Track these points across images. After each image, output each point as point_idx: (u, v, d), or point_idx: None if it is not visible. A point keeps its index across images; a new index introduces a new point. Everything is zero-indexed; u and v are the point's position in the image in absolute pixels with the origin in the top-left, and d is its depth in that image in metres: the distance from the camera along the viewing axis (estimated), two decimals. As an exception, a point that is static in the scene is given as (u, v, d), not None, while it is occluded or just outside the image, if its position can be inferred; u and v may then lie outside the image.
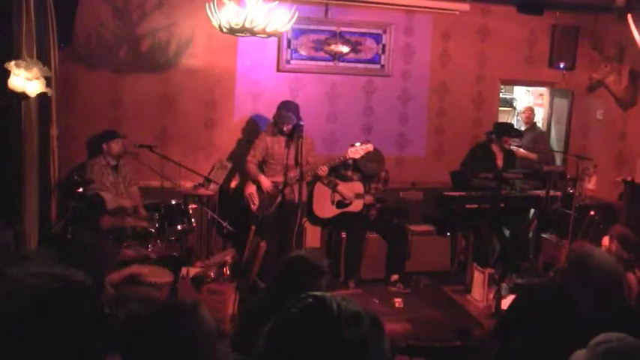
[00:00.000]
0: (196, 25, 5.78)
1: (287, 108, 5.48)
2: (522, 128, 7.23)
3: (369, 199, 5.99)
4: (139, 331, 1.69)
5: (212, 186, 5.67)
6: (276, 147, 5.58)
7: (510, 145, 6.25)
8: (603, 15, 6.50)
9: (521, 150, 6.77)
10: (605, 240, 4.03)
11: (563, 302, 2.63)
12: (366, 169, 5.95)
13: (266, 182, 5.56)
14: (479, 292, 5.40)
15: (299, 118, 5.43)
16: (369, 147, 5.50)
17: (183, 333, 1.69)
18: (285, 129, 5.45)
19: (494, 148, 6.21)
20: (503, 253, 6.12)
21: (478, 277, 5.46)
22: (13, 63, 3.82)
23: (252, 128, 6.10)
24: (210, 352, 1.74)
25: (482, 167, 6.08)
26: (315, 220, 6.12)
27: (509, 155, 6.30)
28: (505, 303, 4.79)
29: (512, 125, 6.55)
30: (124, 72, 5.83)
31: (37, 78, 3.89)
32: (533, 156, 6.76)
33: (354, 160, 5.68)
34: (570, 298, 2.61)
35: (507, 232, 6.16)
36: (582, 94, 6.83)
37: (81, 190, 4.73)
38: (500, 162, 6.21)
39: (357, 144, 5.49)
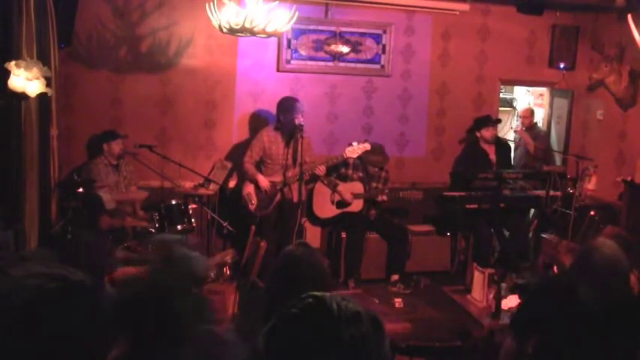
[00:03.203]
0: (196, 25, 5.78)
1: (295, 99, 5.55)
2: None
3: (382, 197, 5.98)
4: (128, 307, 1.75)
5: (212, 186, 5.66)
6: (274, 147, 5.58)
7: (494, 134, 6.27)
8: (603, 15, 6.50)
9: (523, 132, 6.82)
10: None
11: (571, 298, 2.64)
12: (372, 164, 5.94)
13: (264, 182, 5.56)
14: (479, 292, 5.40)
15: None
16: (367, 146, 5.52)
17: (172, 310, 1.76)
18: (301, 120, 5.43)
19: (483, 145, 6.25)
20: (503, 253, 6.12)
21: (478, 277, 5.46)
22: (13, 63, 3.82)
23: (252, 128, 6.10)
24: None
25: (477, 166, 6.09)
26: (315, 220, 6.12)
27: (501, 147, 6.35)
28: (505, 303, 4.79)
29: (488, 115, 6.49)
30: (124, 72, 5.82)
31: (37, 78, 3.89)
32: (531, 145, 6.77)
33: (359, 157, 5.68)
34: (577, 293, 2.61)
35: (507, 232, 6.16)
36: (582, 94, 6.83)
37: (81, 190, 4.73)
38: (493, 156, 6.24)
39: (355, 143, 5.51)
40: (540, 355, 2.75)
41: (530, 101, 8.21)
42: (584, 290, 2.59)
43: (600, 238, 2.78)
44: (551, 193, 5.93)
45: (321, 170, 5.57)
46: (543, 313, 2.75)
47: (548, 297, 2.82)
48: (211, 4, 4.29)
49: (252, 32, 4.24)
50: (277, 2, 4.29)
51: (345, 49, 6.30)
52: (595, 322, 2.56)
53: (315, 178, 5.90)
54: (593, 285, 2.57)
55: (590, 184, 6.30)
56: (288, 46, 6.14)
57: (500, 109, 7.46)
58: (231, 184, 6.14)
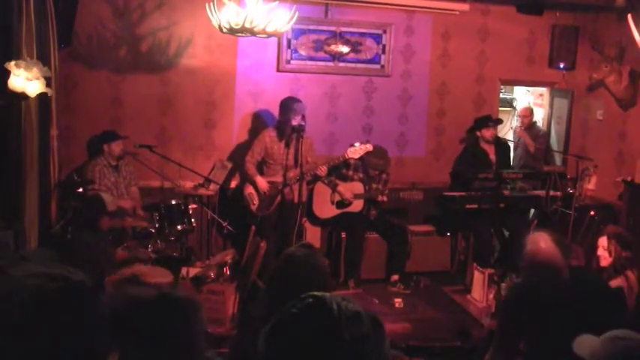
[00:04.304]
0: (196, 25, 5.78)
1: (296, 100, 5.53)
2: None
3: (382, 198, 5.97)
4: (137, 315, 1.73)
5: (212, 186, 5.67)
6: (275, 147, 5.58)
7: (494, 134, 6.27)
8: (603, 15, 6.49)
9: (523, 132, 6.81)
10: (602, 240, 4.03)
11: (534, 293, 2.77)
12: (374, 166, 5.93)
13: (262, 183, 5.56)
14: (479, 292, 5.40)
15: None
16: (369, 147, 5.52)
17: (183, 323, 1.74)
18: (299, 120, 5.40)
19: (483, 145, 6.25)
20: (503, 253, 6.12)
21: (478, 277, 5.46)
22: (13, 63, 3.82)
23: (252, 128, 6.10)
24: (201, 351, 1.79)
25: (477, 166, 6.09)
26: (315, 220, 6.12)
27: (501, 147, 6.35)
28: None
29: (488, 115, 6.48)
30: (124, 72, 5.82)
31: (37, 78, 3.89)
32: (530, 145, 6.77)
33: (360, 158, 5.68)
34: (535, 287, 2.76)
35: (507, 232, 6.16)
36: (582, 94, 6.83)
37: (81, 190, 4.73)
38: (493, 156, 6.23)
39: (357, 144, 5.51)
40: (531, 354, 2.76)
41: (530, 101, 8.20)
42: (534, 282, 2.81)
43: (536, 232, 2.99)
44: (551, 193, 5.92)
45: (322, 171, 5.57)
46: (525, 309, 2.78)
47: (526, 294, 2.86)
48: (211, 4, 4.29)
49: (252, 32, 4.24)
50: (277, 2, 4.29)
51: (345, 49, 6.30)
52: (571, 315, 2.59)
53: (316, 179, 5.90)
54: (536, 275, 2.80)
55: (590, 184, 6.29)
56: (288, 46, 6.14)
57: (500, 109, 7.46)
58: (233, 184, 6.14)
